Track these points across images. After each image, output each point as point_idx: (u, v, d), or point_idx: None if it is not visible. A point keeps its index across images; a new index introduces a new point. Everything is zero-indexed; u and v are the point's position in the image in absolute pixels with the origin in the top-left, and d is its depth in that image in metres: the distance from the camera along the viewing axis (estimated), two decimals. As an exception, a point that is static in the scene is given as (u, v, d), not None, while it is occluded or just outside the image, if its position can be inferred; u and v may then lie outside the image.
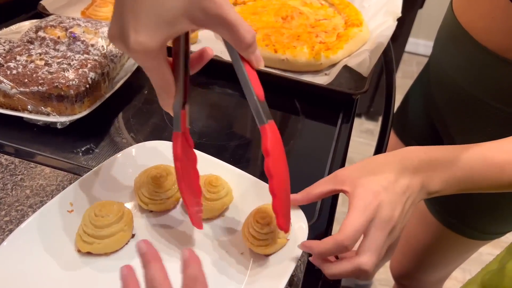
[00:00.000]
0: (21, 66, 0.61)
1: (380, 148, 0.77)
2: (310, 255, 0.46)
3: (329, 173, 0.62)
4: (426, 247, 0.84)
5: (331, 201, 0.58)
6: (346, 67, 0.79)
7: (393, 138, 0.93)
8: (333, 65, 0.81)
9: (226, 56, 0.78)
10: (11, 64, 0.61)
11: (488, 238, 0.77)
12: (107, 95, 0.65)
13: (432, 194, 0.46)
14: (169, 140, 0.57)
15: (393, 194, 0.43)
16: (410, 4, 1.99)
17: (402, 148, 0.47)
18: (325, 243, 0.42)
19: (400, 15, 0.88)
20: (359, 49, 0.84)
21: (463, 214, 0.75)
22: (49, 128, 0.61)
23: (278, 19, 0.89)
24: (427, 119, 0.81)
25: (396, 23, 0.86)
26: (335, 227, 0.60)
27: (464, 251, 0.81)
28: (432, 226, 0.79)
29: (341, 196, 0.60)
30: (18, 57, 0.62)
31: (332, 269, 0.43)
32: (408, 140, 0.90)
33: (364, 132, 2.22)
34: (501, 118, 0.62)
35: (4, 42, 0.65)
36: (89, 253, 0.45)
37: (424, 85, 0.82)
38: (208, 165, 0.54)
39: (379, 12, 0.92)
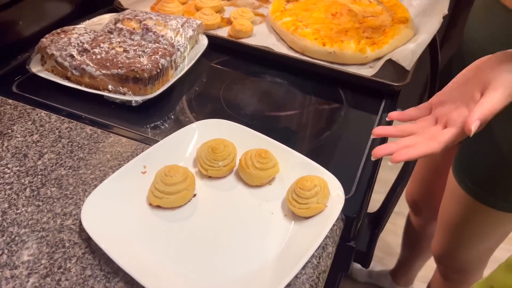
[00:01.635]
0: (104, 52, 0.71)
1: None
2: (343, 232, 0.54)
3: (368, 156, 0.68)
4: (459, 223, 0.87)
5: (368, 175, 0.64)
6: (390, 61, 0.84)
7: None
8: (378, 59, 0.86)
9: (277, 48, 0.86)
10: (96, 50, 0.72)
11: None
12: (174, 80, 0.75)
13: None
14: (226, 119, 0.65)
15: None
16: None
17: None
18: None
19: (446, 12, 0.91)
20: (404, 45, 0.88)
21: (493, 186, 0.77)
22: (124, 105, 0.71)
23: (328, 15, 0.96)
24: None
25: (442, 20, 0.89)
26: (370, 205, 0.66)
27: (497, 225, 0.83)
28: (464, 200, 0.82)
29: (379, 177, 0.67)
30: (101, 44, 0.73)
31: None
32: None
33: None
34: None
35: (90, 32, 0.76)
36: (158, 207, 0.55)
37: (459, 65, 0.85)
38: (259, 141, 0.62)
39: (426, 9, 0.96)
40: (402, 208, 1.33)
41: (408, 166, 0.76)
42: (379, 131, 0.54)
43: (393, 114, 0.56)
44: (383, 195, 1.02)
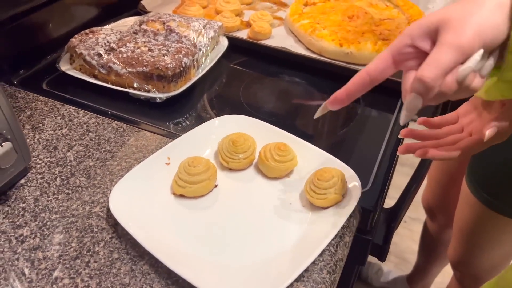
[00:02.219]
0: (129, 51, 0.75)
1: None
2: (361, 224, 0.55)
3: (384, 154, 0.70)
4: (473, 229, 0.88)
5: (384, 171, 0.65)
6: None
7: None
8: (394, 60, 0.87)
9: (295, 50, 0.89)
10: (122, 49, 0.75)
11: None
12: (195, 78, 0.78)
13: None
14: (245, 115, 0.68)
15: None
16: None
17: None
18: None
19: (462, 15, 0.92)
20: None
21: (506, 194, 0.78)
22: (148, 102, 0.74)
23: (344, 18, 0.98)
24: None
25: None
26: (387, 201, 0.67)
27: (509, 232, 0.84)
28: (477, 207, 0.83)
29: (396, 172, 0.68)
30: (127, 44, 0.76)
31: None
32: None
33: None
34: None
35: (116, 32, 0.80)
36: (181, 196, 0.57)
37: None
38: (278, 135, 0.64)
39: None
40: (419, 214, 1.33)
41: (424, 163, 0.77)
42: (406, 132, 0.56)
43: (421, 119, 0.58)
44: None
